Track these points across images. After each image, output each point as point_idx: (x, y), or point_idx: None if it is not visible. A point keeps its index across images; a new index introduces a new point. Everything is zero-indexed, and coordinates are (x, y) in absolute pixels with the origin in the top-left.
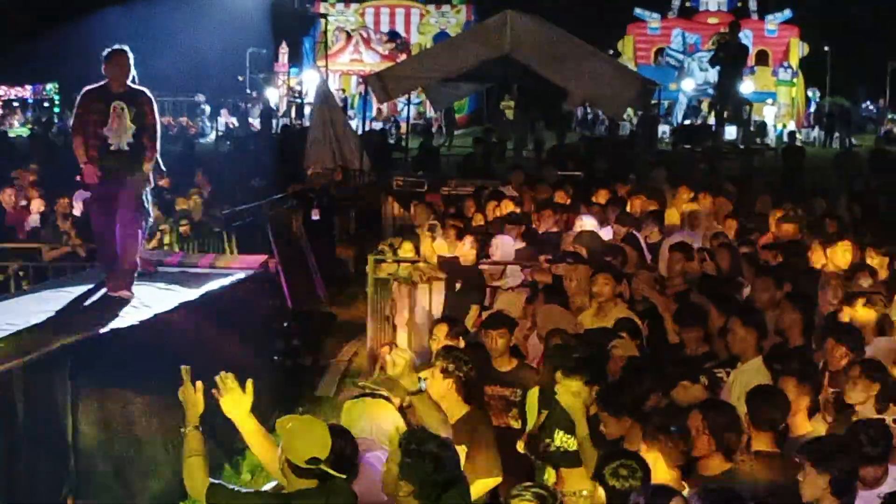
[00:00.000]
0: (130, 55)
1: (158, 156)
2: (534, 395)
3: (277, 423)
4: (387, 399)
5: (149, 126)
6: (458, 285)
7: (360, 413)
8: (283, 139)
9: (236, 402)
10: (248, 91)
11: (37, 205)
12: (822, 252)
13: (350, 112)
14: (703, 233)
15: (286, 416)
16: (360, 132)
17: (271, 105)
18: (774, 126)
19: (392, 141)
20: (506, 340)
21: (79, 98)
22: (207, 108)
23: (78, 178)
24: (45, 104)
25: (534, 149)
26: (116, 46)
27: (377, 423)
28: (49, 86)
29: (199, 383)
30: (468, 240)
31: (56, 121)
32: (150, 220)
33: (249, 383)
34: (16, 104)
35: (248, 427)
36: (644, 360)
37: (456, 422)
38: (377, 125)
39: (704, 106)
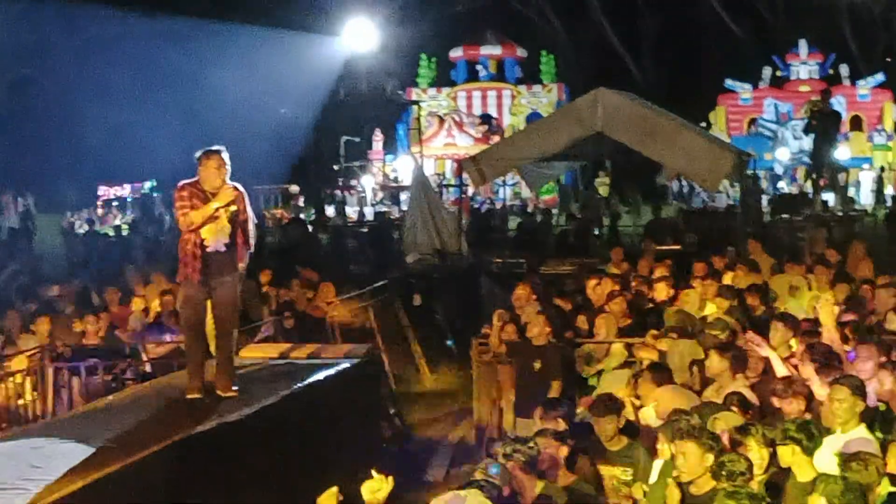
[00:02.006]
0: (226, 155)
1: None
2: (655, 466)
3: None
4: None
5: (242, 222)
6: (536, 365)
7: None
8: (380, 226)
9: (373, 487)
10: (344, 179)
11: (138, 303)
12: None
13: (446, 196)
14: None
15: None
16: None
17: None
18: (872, 191)
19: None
20: (614, 425)
21: (175, 194)
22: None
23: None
24: (151, 200)
25: (609, 225)
26: (213, 147)
27: None
28: (147, 183)
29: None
30: (539, 320)
31: (162, 216)
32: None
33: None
34: (115, 203)
35: None
36: None
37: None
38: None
39: (800, 174)
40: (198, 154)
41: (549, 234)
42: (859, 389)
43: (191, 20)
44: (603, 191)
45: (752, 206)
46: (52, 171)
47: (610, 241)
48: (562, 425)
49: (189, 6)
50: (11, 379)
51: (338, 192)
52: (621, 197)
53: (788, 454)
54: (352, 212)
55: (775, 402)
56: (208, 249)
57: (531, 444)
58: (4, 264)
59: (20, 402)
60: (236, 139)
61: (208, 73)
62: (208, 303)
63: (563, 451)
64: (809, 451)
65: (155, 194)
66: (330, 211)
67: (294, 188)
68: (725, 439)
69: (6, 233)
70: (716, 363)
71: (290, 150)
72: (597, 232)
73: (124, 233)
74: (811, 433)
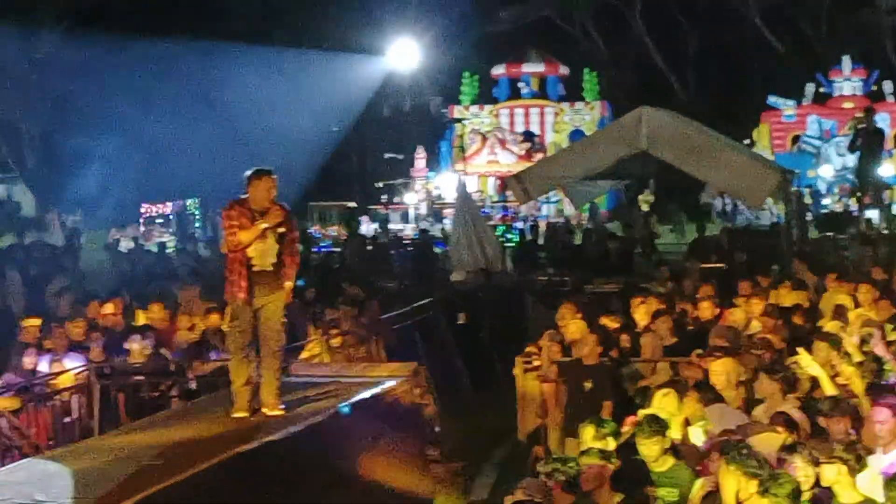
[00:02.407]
0: (275, 176)
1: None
2: (699, 486)
3: None
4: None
5: (290, 242)
6: (587, 385)
7: None
8: (423, 243)
9: None
10: (387, 197)
11: (184, 321)
12: None
13: (489, 213)
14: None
15: None
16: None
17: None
18: None
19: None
20: (660, 447)
21: (223, 213)
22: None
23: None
24: (188, 218)
25: (642, 247)
26: (262, 168)
27: None
28: (189, 201)
29: None
30: (591, 339)
31: (199, 236)
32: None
33: None
34: (159, 220)
35: None
36: None
37: None
38: (517, 225)
39: (845, 192)
40: (248, 173)
41: (595, 252)
42: None
43: (237, 42)
44: (644, 208)
45: (797, 223)
46: (96, 187)
47: (654, 259)
48: (611, 444)
49: (236, 28)
50: (59, 396)
51: (381, 208)
52: (664, 215)
53: (833, 473)
54: (409, 229)
55: (821, 421)
56: (255, 269)
57: (571, 464)
58: (51, 282)
59: (67, 419)
60: (279, 157)
61: (253, 92)
62: (255, 321)
63: (609, 470)
64: (855, 472)
65: (196, 212)
66: (372, 228)
67: (352, 204)
68: (773, 459)
69: (47, 250)
70: (766, 385)
71: (334, 167)
72: (639, 250)
73: (167, 250)
74: (858, 454)
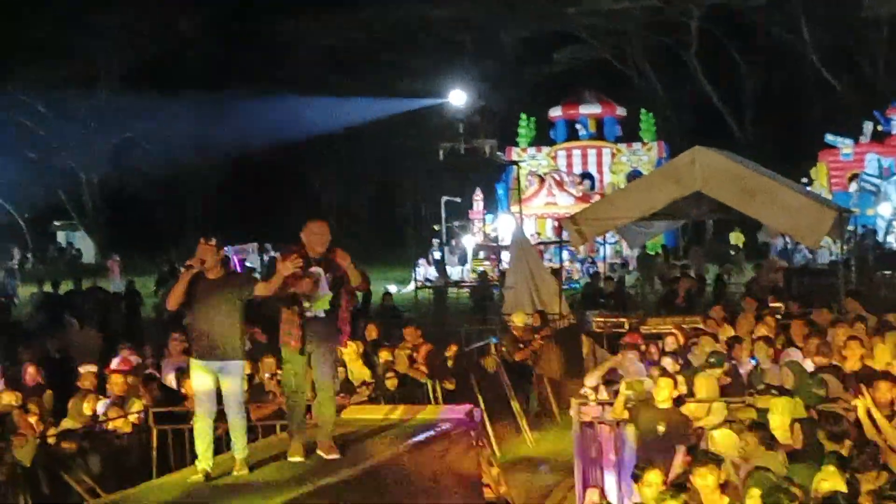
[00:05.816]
0: (324, 222)
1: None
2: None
3: None
4: None
5: (345, 290)
6: (661, 428)
7: None
8: (481, 286)
9: None
10: (444, 240)
11: None
12: None
13: (546, 255)
14: None
15: None
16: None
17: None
18: None
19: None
20: (715, 477)
21: (278, 258)
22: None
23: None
24: (248, 264)
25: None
26: (313, 215)
27: None
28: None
29: None
30: (666, 383)
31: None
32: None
33: None
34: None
35: None
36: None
37: None
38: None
39: None
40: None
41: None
42: None
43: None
44: (736, 239)
45: (857, 262)
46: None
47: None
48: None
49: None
50: (118, 441)
51: (437, 252)
52: (721, 254)
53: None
54: (454, 272)
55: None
56: (308, 315)
57: None
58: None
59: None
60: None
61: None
62: (308, 366)
63: None
64: None
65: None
66: (431, 271)
67: None
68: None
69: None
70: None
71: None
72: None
73: None
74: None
